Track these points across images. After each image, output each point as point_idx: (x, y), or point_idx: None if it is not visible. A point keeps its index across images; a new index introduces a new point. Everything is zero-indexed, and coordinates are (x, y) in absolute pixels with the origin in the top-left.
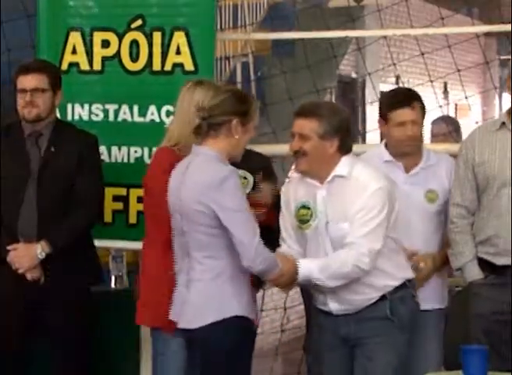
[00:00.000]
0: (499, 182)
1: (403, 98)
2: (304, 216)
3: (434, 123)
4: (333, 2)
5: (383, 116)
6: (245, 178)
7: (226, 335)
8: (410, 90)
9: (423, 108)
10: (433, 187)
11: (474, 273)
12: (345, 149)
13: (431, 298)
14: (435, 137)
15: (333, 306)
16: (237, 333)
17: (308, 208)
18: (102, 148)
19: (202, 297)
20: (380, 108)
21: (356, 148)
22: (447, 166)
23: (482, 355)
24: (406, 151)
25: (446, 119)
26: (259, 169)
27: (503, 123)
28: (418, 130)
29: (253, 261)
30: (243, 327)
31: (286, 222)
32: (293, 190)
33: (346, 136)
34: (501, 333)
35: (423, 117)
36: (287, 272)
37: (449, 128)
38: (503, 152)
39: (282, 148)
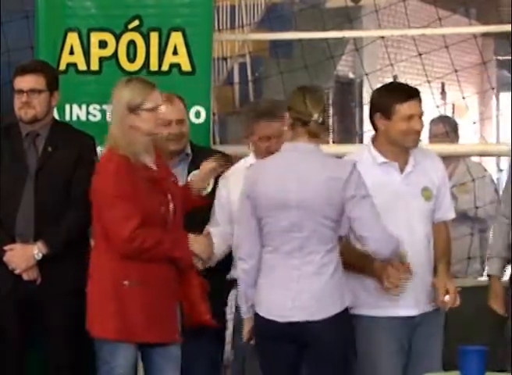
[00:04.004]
0: None
1: (410, 91)
2: None
3: (432, 122)
4: (331, 3)
5: (386, 111)
6: None
7: (348, 326)
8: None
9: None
10: (427, 185)
11: (491, 269)
12: None
13: (429, 300)
14: (433, 138)
15: None
16: (351, 323)
17: None
18: (99, 149)
19: (326, 289)
20: (380, 103)
21: (353, 148)
22: (433, 162)
23: (480, 356)
24: (410, 146)
25: (443, 119)
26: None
27: None
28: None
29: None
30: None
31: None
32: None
33: None
34: None
35: None
36: None
37: (446, 128)
38: None
39: None
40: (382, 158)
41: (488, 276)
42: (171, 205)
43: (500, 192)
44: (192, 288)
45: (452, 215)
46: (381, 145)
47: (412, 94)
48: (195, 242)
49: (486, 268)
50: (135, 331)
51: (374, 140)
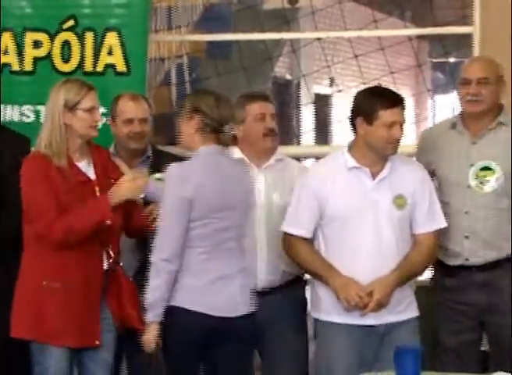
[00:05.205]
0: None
1: (395, 98)
2: None
3: None
4: (268, 4)
5: (368, 116)
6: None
7: None
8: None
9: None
10: (401, 193)
11: None
12: None
13: (406, 309)
14: None
15: None
16: None
17: None
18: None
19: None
20: (363, 107)
21: (291, 149)
22: (413, 170)
23: (415, 356)
24: (389, 154)
25: None
26: None
27: (454, 124)
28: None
29: None
30: None
31: None
32: None
33: None
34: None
35: None
36: None
37: None
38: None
39: None
40: (353, 163)
41: None
42: None
43: None
44: (122, 294)
45: (428, 228)
46: (358, 150)
47: (397, 101)
48: (119, 186)
49: None
50: (51, 334)
51: (352, 143)
